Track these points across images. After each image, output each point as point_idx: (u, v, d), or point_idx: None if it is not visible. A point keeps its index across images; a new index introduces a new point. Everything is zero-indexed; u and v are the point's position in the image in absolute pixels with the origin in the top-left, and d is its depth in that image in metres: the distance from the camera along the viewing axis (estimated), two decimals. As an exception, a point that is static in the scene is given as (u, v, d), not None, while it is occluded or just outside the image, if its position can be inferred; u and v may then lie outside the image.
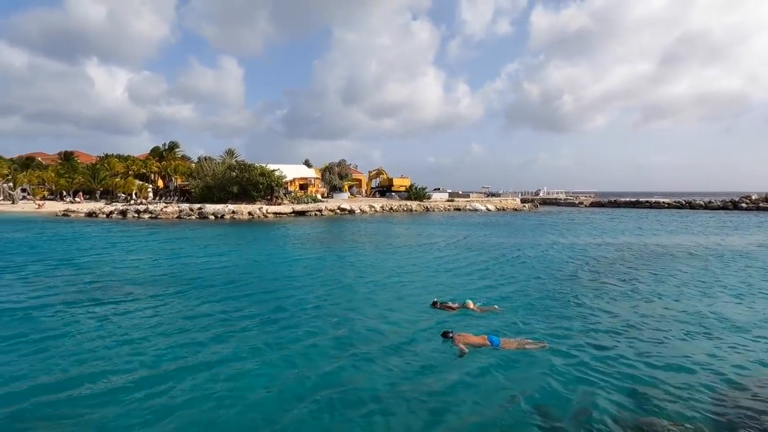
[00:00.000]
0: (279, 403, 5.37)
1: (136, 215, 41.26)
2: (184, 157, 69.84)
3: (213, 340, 7.52)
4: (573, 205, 72.16)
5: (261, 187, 49.25)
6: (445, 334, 7.69)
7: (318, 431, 4.83)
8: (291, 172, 59.79)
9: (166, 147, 70.09)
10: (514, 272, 14.25)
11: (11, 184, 63.25)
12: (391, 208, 53.22)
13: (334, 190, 71.16)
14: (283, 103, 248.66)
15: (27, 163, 69.32)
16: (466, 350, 7.11)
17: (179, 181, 62.79)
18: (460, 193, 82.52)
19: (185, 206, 44.03)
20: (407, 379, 6.13)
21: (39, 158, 75.32)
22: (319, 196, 60.98)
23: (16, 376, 6.05)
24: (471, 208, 57.12)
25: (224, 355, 6.86)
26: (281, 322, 8.60)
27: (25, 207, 52.30)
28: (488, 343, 7.32)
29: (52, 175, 63.09)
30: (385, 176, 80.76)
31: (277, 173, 50.97)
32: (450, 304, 9.68)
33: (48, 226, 31.65)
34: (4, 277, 12.76)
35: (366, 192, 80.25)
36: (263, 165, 52.10)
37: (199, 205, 43.40)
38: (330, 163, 75.06)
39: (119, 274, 13.37)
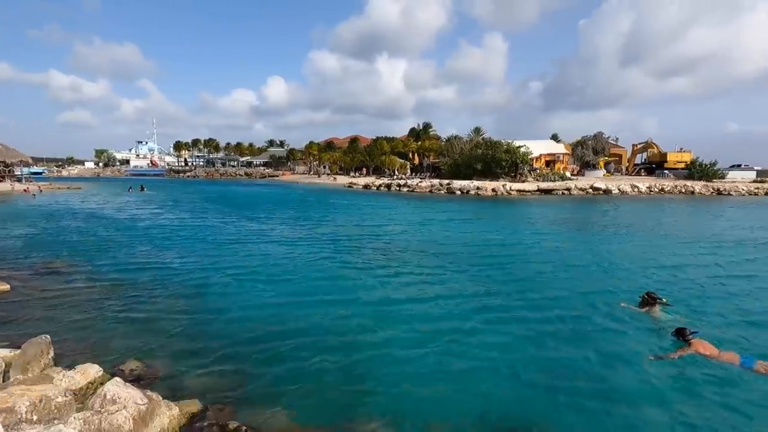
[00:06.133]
0: (496, 381, 5.32)
1: (398, 188, 48.26)
2: (435, 137, 76.45)
3: (445, 303, 8.08)
4: None
5: (504, 164, 48.96)
6: (681, 333, 6.12)
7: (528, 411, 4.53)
8: (537, 148, 56.92)
9: (421, 127, 78.29)
10: None
11: (317, 162, 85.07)
12: (662, 189, 43.87)
13: (586, 166, 63.91)
14: (549, 74, 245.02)
15: (328, 146, 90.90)
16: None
17: (431, 159, 69.38)
18: (777, 171, 60.11)
19: (436, 182, 48.48)
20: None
21: (334, 142, 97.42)
22: (567, 174, 56.06)
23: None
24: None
25: (455, 322, 7.26)
26: (511, 298, 8.41)
27: (326, 180, 69.31)
28: (737, 361, 5.58)
29: (341, 155, 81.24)
30: (655, 150, 67.02)
31: (522, 149, 49.50)
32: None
33: (338, 195, 40.82)
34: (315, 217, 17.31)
35: (628, 169, 68.67)
36: (509, 141, 51.48)
37: (447, 181, 46.99)
38: (583, 137, 67.43)
39: (375, 234, 16.01)
